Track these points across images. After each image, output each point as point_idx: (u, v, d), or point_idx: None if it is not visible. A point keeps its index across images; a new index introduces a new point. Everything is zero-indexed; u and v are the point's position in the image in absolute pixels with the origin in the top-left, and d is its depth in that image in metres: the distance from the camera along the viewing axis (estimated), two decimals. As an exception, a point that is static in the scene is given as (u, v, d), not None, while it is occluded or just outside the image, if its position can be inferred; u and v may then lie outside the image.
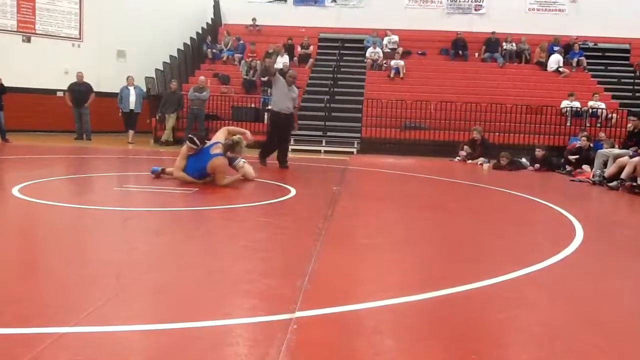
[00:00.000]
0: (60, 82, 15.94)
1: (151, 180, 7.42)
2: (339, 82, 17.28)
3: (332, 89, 16.74)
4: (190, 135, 7.46)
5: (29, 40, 16.96)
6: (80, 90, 15.23)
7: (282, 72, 10.58)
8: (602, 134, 13.79)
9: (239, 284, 3.31)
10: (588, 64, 18.01)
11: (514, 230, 5.54)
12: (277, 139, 9.94)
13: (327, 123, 15.32)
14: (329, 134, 15.28)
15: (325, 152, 14.61)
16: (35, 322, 2.55)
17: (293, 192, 7.05)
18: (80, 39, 17.81)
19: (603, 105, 15.46)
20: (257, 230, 5.03)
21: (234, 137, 7.15)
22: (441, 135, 15.02)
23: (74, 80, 15.39)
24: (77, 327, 2.50)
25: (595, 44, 18.90)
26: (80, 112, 15.18)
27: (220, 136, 7.33)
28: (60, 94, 16.00)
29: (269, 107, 10.39)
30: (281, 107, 9.73)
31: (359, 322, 2.84)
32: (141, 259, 3.83)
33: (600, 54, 18.70)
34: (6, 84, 13.70)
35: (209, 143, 7.27)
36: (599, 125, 15.04)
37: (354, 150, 14.84)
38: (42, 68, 16.29)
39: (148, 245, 4.31)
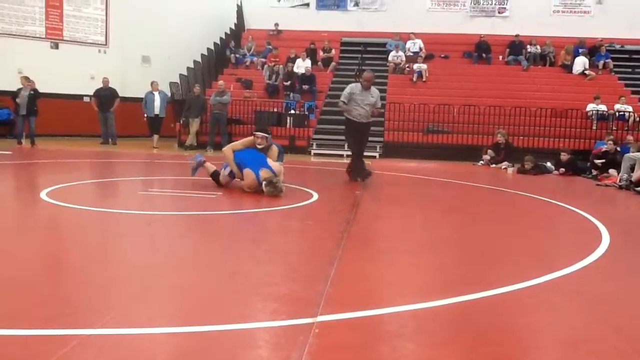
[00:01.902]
0: (87, 88, 16.18)
1: (174, 185, 7.49)
2: (362, 86, 17.21)
3: (354, 93, 16.67)
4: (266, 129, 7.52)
5: (56, 46, 17.28)
6: (105, 95, 15.47)
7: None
8: (629, 137, 13.54)
9: (261, 287, 3.32)
10: (614, 66, 17.73)
11: (538, 235, 5.48)
12: (352, 149, 9.42)
13: (349, 127, 15.24)
14: (351, 138, 15.20)
15: (348, 156, 14.55)
16: (60, 323, 2.59)
17: (315, 196, 7.06)
18: (106, 45, 18.09)
19: (630, 108, 15.19)
20: (279, 234, 5.05)
21: (279, 185, 6.78)
22: (464, 139, 14.92)
23: (100, 85, 15.64)
24: (102, 329, 2.54)
25: (622, 46, 18.58)
26: (105, 117, 15.42)
27: (273, 166, 7.09)
28: (86, 99, 16.26)
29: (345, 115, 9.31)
30: (354, 115, 8.95)
31: (381, 326, 2.83)
32: (165, 262, 3.87)
33: (627, 56, 18.39)
34: (34, 89, 13.95)
35: (269, 160, 7.10)
36: (626, 128, 14.80)
37: (377, 154, 14.78)
38: (69, 74, 16.55)
39: (171, 249, 4.35)
